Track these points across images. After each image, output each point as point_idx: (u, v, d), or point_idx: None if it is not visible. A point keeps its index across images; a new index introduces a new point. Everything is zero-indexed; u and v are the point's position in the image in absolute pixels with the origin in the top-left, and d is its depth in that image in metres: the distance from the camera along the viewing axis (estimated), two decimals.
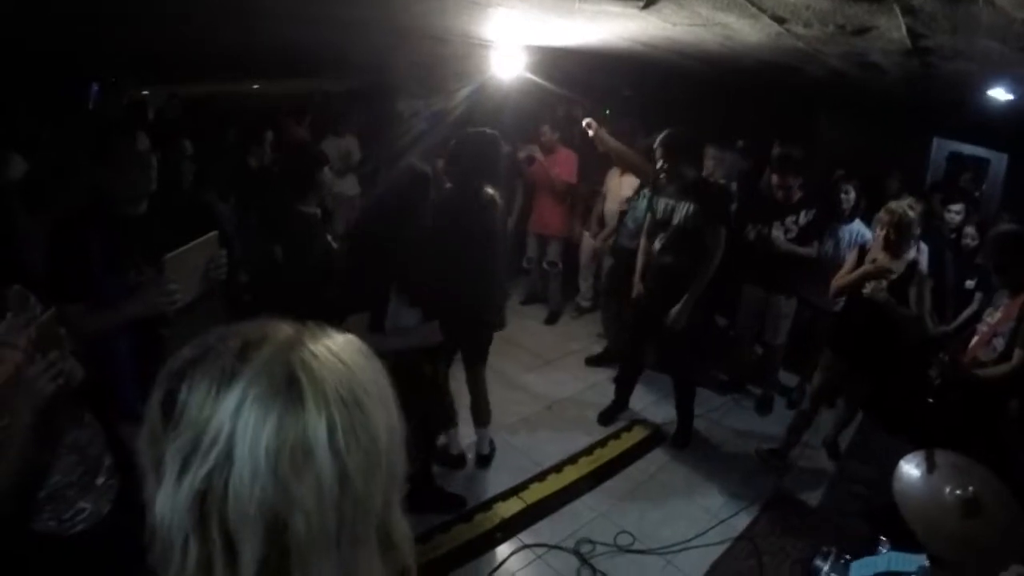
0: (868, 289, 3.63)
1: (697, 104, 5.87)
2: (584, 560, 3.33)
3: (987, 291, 4.08)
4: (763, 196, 4.77)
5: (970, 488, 2.23)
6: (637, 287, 4.24)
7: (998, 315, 3.34)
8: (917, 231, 3.75)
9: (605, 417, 4.61)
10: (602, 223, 5.60)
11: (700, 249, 3.90)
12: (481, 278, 3.47)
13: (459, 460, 3.95)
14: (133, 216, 2.29)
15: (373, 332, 2.69)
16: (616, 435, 4.49)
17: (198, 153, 4.20)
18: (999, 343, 3.28)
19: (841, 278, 3.80)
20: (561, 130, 5.78)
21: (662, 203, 4.01)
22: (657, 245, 4.06)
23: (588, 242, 5.90)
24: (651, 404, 4.82)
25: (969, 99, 4.31)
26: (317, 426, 0.62)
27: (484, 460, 4.02)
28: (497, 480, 3.89)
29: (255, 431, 0.61)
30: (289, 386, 0.63)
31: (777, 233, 4.40)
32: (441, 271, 3.16)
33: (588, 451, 4.26)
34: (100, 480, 1.77)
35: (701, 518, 3.68)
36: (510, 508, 3.68)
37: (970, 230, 4.74)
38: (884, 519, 2.44)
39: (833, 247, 4.53)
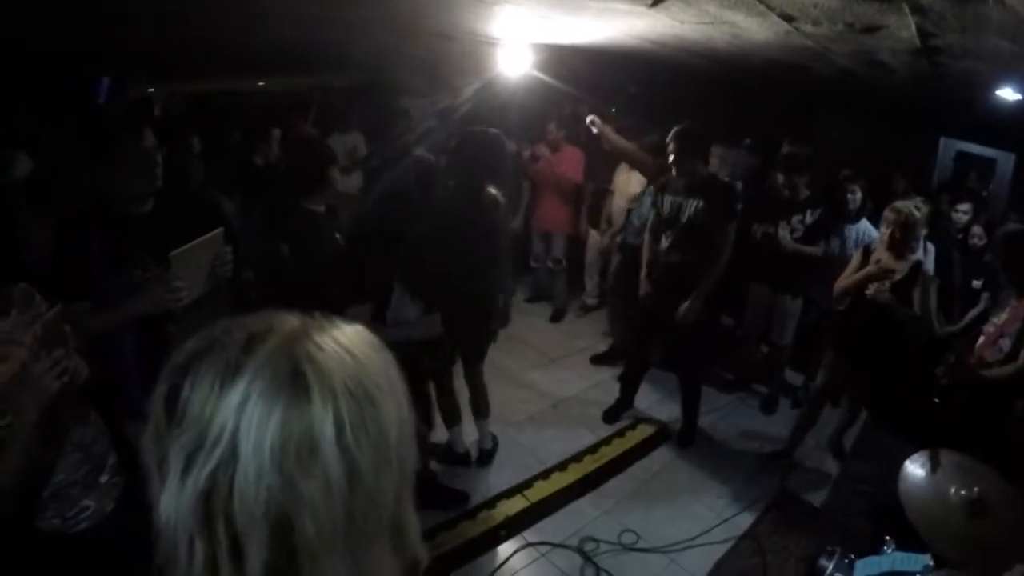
0: (871, 290, 3.62)
1: (704, 102, 5.85)
2: (588, 558, 3.33)
3: (994, 291, 4.07)
4: (769, 195, 4.76)
5: (975, 488, 2.22)
6: (644, 286, 4.22)
7: (1004, 316, 3.33)
8: (922, 231, 3.73)
9: (610, 415, 4.61)
10: (611, 221, 5.59)
11: (708, 246, 3.89)
12: (483, 277, 3.47)
13: (463, 457, 3.96)
14: (138, 214, 2.29)
15: (375, 323, 2.69)
16: (620, 433, 4.49)
17: (205, 151, 4.19)
18: (1005, 343, 3.27)
19: (845, 279, 3.78)
20: (567, 128, 5.77)
21: (668, 200, 4.01)
22: (664, 243, 4.06)
23: (594, 240, 5.89)
24: (656, 402, 4.82)
25: (977, 99, 4.28)
26: (323, 421, 0.61)
27: (487, 455, 4.04)
28: (501, 478, 3.90)
29: (259, 427, 0.59)
30: (294, 380, 0.61)
31: (783, 232, 4.39)
32: (443, 268, 3.17)
33: (592, 449, 4.27)
34: (104, 478, 1.77)
35: (705, 516, 3.69)
36: (514, 506, 3.69)
37: (977, 229, 4.72)
38: (889, 519, 2.43)
39: (840, 246, 4.51)
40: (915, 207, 3.61)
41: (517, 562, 3.32)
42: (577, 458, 4.15)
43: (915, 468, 2.41)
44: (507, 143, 3.79)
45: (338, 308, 0.71)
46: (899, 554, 2.24)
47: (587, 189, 5.87)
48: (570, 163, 5.70)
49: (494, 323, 3.73)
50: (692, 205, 3.88)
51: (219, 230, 2.32)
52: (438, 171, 3.15)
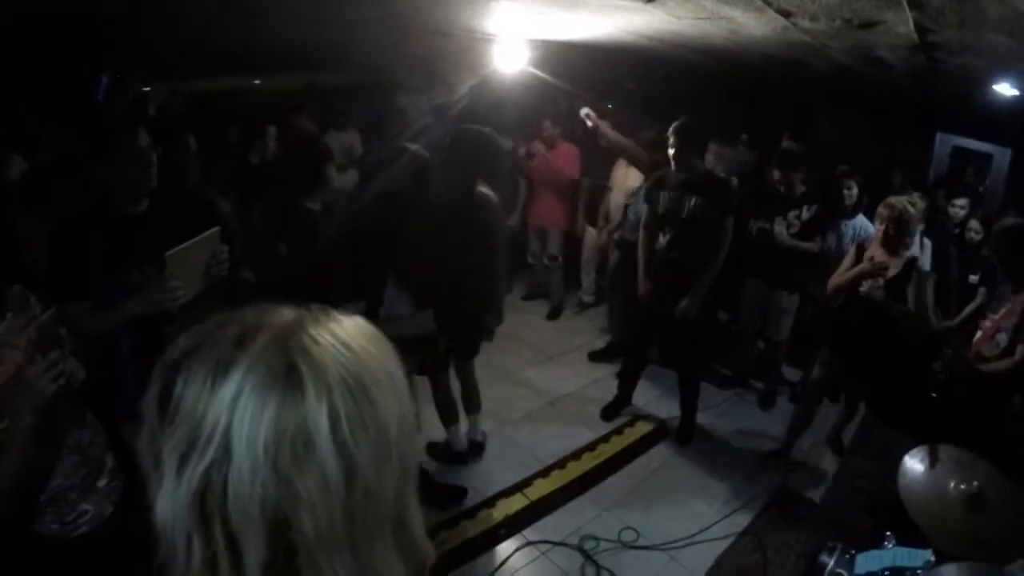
0: (865, 287, 3.60)
1: (701, 98, 5.84)
2: (588, 556, 3.33)
3: (991, 286, 4.07)
4: (765, 191, 4.76)
5: (974, 483, 2.23)
6: (643, 283, 4.19)
7: (1002, 311, 3.33)
8: (917, 227, 3.72)
9: (608, 412, 4.61)
10: (608, 217, 5.56)
11: (707, 242, 3.88)
12: (478, 274, 3.45)
13: (461, 457, 3.95)
14: (134, 214, 2.28)
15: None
16: (619, 431, 4.48)
17: (200, 150, 4.18)
18: (1002, 338, 3.27)
19: (838, 276, 3.77)
20: (563, 124, 5.76)
21: (666, 196, 3.98)
22: (662, 240, 4.04)
23: (591, 236, 5.88)
24: (654, 399, 4.82)
25: (974, 94, 4.29)
26: (318, 415, 0.59)
27: (478, 448, 4.04)
28: (500, 476, 3.89)
29: (252, 423, 0.58)
30: (288, 374, 0.60)
31: (779, 228, 4.39)
32: (438, 266, 3.15)
33: (591, 447, 4.26)
34: (102, 482, 1.76)
35: (705, 513, 3.68)
36: (513, 505, 3.68)
37: (974, 224, 4.72)
38: (888, 514, 2.44)
39: (836, 242, 4.51)
40: (909, 203, 3.59)
41: (517, 561, 3.31)
42: (576, 456, 4.15)
43: (914, 463, 2.41)
44: (500, 140, 3.77)
45: (332, 305, 0.69)
46: (900, 549, 2.24)
47: (583, 185, 5.87)
48: (566, 159, 5.70)
49: (488, 320, 3.72)
50: (690, 201, 3.87)
51: (215, 229, 2.31)
52: (433, 168, 3.14)
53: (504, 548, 3.39)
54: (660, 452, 4.29)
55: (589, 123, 4.40)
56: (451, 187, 3.41)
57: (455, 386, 3.88)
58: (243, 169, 4.72)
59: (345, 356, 0.63)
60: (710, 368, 5.10)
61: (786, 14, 2.49)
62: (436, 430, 3.90)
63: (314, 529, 0.59)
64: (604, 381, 4.97)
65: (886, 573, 2.17)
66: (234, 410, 0.59)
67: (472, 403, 3.97)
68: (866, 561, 2.27)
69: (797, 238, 4.41)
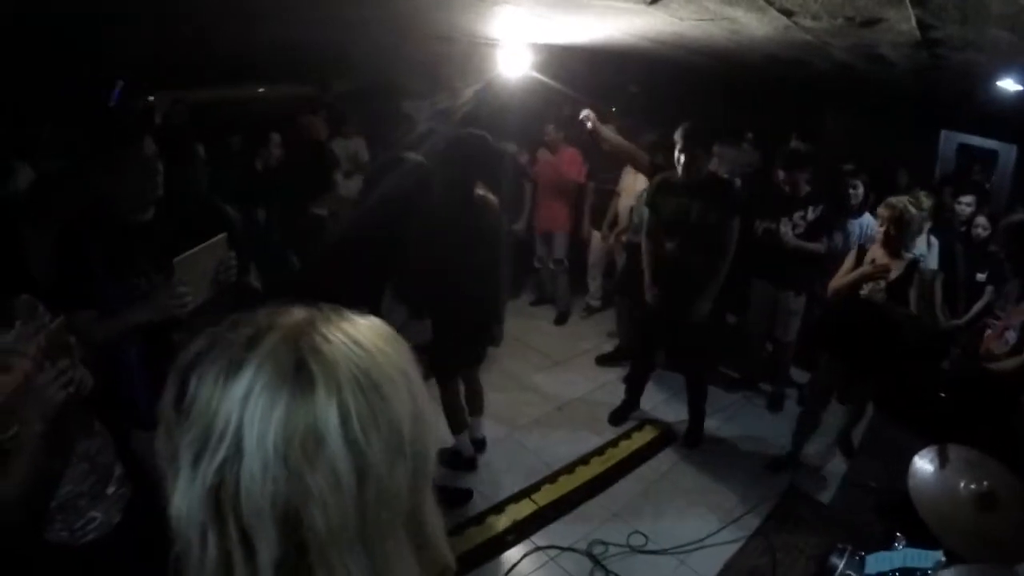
0: (866, 290, 3.55)
1: (704, 100, 5.85)
2: (597, 562, 3.32)
3: (998, 283, 4.05)
4: (770, 192, 4.75)
5: (984, 482, 2.22)
6: (650, 288, 4.14)
7: (1011, 309, 3.32)
8: (919, 227, 3.68)
9: (616, 417, 4.60)
10: (617, 221, 5.53)
11: (715, 245, 3.87)
12: (481, 280, 3.44)
13: (471, 463, 3.95)
14: (140, 223, 2.29)
15: None
16: (627, 435, 4.47)
17: (207, 157, 4.19)
18: (1011, 336, 3.26)
19: (839, 279, 3.70)
20: (566, 129, 5.76)
21: (671, 201, 3.95)
22: (670, 245, 4.01)
23: (597, 241, 5.88)
24: (662, 403, 4.80)
25: (978, 90, 4.28)
26: (328, 412, 0.60)
27: (479, 444, 4.04)
28: (508, 482, 3.88)
29: (263, 420, 0.59)
30: (298, 372, 0.61)
31: (785, 229, 4.37)
32: (438, 273, 3.14)
33: (599, 451, 4.25)
34: (111, 489, 1.77)
35: (714, 517, 3.67)
36: (522, 510, 3.67)
37: (981, 220, 4.69)
38: (898, 515, 2.43)
39: (843, 241, 4.50)
40: (910, 202, 3.54)
41: (526, 567, 3.30)
42: (584, 461, 4.14)
43: (924, 463, 2.40)
44: (499, 145, 3.76)
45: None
46: (910, 550, 2.23)
47: (588, 189, 5.86)
48: (570, 163, 5.70)
49: (492, 328, 3.71)
50: (698, 205, 3.84)
51: (222, 235, 2.31)
52: (432, 174, 3.13)
53: (512, 554, 3.38)
54: (669, 456, 4.27)
55: (588, 125, 4.39)
56: (450, 189, 3.42)
57: (459, 389, 3.87)
58: (248, 176, 4.72)
59: (357, 354, 0.64)
60: (718, 371, 5.09)
61: (788, 13, 2.49)
62: (442, 435, 3.88)
63: (325, 526, 0.60)
64: (612, 385, 4.96)
65: (896, 574, 2.16)
66: (245, 408, 0.60)
67: (476, 407, 3.97)
68: (876, 562, 2.26)
69: (803, 239, 4.39)
